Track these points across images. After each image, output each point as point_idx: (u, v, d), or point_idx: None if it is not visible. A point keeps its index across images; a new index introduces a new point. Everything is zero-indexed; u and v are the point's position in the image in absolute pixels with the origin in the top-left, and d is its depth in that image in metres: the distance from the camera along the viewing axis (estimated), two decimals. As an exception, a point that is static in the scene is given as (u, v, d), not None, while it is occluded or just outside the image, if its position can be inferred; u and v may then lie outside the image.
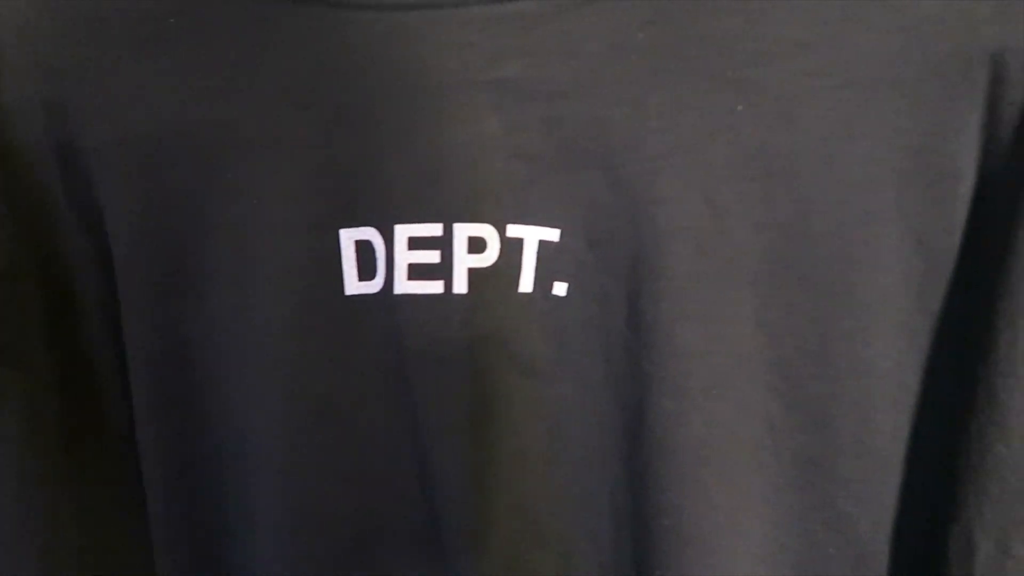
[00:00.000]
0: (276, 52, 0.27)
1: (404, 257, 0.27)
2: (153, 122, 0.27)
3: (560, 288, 0.27)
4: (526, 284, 0.27)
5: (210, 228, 0.28)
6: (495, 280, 0.27)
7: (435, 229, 0.26)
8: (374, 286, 0.27)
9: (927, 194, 0.24)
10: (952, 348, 0.25)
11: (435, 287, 0.26)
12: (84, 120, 0.28)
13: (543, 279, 0.27)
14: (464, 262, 0.26)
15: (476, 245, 0.26)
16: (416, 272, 0.27)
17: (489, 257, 0.26)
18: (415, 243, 0.26)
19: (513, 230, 0.26)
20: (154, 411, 0.30)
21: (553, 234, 0.26)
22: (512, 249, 0.26)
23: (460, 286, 0.26)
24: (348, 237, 0.27)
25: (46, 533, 0.32)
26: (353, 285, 0.27)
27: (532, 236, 0.27)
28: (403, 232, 0.26)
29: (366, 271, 0.27)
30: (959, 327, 0.25)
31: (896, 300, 0.25)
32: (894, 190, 0.24)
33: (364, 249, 0.27)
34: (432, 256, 0.26)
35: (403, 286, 0.27)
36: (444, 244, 0.26)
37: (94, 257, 0.30)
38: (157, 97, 0.27)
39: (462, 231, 0.26)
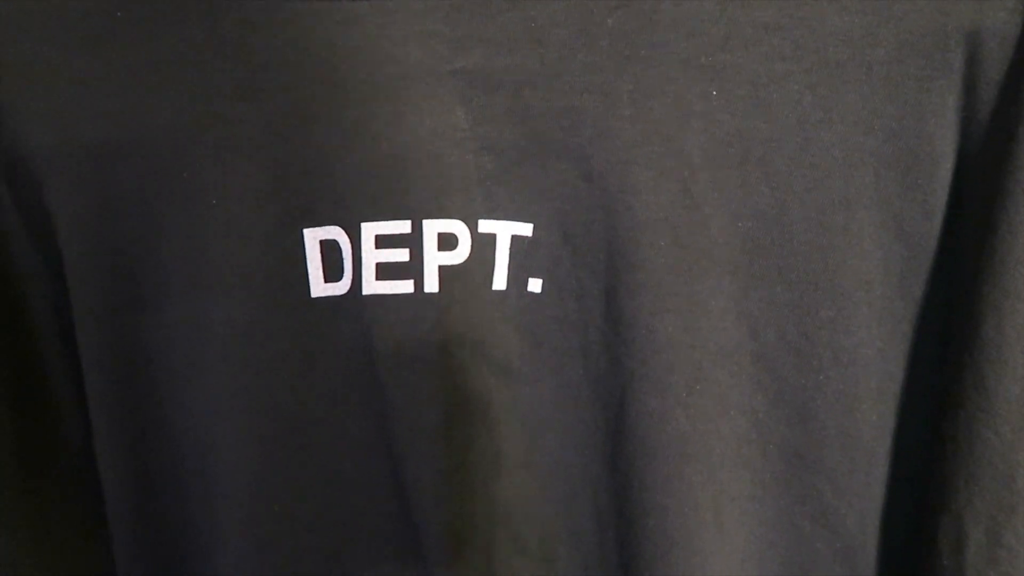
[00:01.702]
0: (228, 45, 0.25)
1: (372, 256, 0.25)
2: (101, 122, 0.26)
3: (535, 284, 0.26)
4: (499, 281, 0.26)
5: (166, 231, 0.27)
6: (467, 278, 0.26)
7: (403, 226, 0.25)
8: (341, 287, 0.26)
9: (906, 178, 0.24)
10: (936, 335, 0.25)
11: (405, 287, 0.25)
12: (26, 122, 0.26)
13: (517, 276, 0.26)
14: (435, 260, 0.25)
15: (446, 242, 0.25)
16: (385, 272, 0.25)
17: (460, 254, 0.26)
18: (383, 241, 0.25)
19: (485, 225, 0.26)
20: (112, 422, 0.29)
21: (526, 228, 0.26)
22: (484, 245, 0.26)
23: (431, 285, 0.25)
24: (312, 237, 0.26)
25: (1, 547, 0.31)
26: (319, 287, 0.26)
27: (504, 231, 0.26)
28: (370, 230, 0.25)
29: (332, 272, 0.26)
30: (943, 313, 0.25)
31: (877, 287, 0.24)
32: (872, 174, 0.24)
33: (330, 249, 0.26)
34: (401, 255, 0.25)
35: (372, 286, 0.26)
36: (413, 242, 0.25)
37: (45, 265, 0.28)
38: (103, 96, 0.26)
39: (431, 228, 0.25)
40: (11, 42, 0.26)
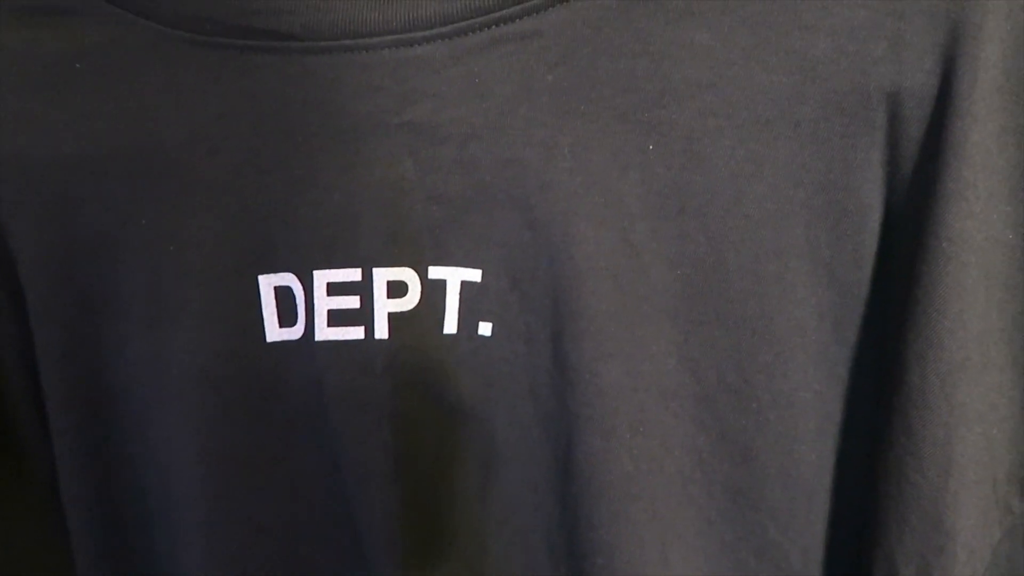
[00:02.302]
0: (186, 95, 0.26)
1: (324, 303, 0.26)
2: (61, 166, 0.27)
3: (485, 328, 0.27)
4: (450, 326, 0.27)
5: (125, 276, 0.27)
6: (417, 324, 0.26)
7: (354, 274, 0.26)
8: (295, 333, 0.27)
9: (835, 228, 0.24)
10: (871, 379, 0.26)
11: (356, 333, 0.26)
12: None
13: (467, 320, 0.26)
14: (384, 307, 0.26)
15: (396, 289, 0.26)
16: (336, 318, 0.26)
17: (410, 301, 0.26)
18: (334, 289, 0.26)
19: (435, 272, 0.26)
20: (75, 458, 0.29)
21: (475, 275, 0.26)
22: (434, 291, 0.26)
23: (381, 331, 0.26)
24: (267, 283, 0.26)
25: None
26: (274, 332, 0.27)
27: (454, 277, 0.26)
28: (322, 278, 0.26)
29: (287, 318, 0.27)
30: (876, 358, 0.25)
31: (812, 332, 0.25)
32: (803, 225, 0.24)
33: (284, 295, 0.26)
34: (352, 302, 0.26)
35: (323, 333, 0.26)
36: (363, 289, 0.26)
37: (7, 304, 0.29)
38: (64, 141, 0.27)
39: (381, 276, 0.26)
40: None
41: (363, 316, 0.26)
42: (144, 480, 0.29)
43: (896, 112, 0.23)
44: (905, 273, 0.24)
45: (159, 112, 0.26)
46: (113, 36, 0.27)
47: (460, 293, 0.26)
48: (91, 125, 0.27)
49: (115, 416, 0.29)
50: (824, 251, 0.24)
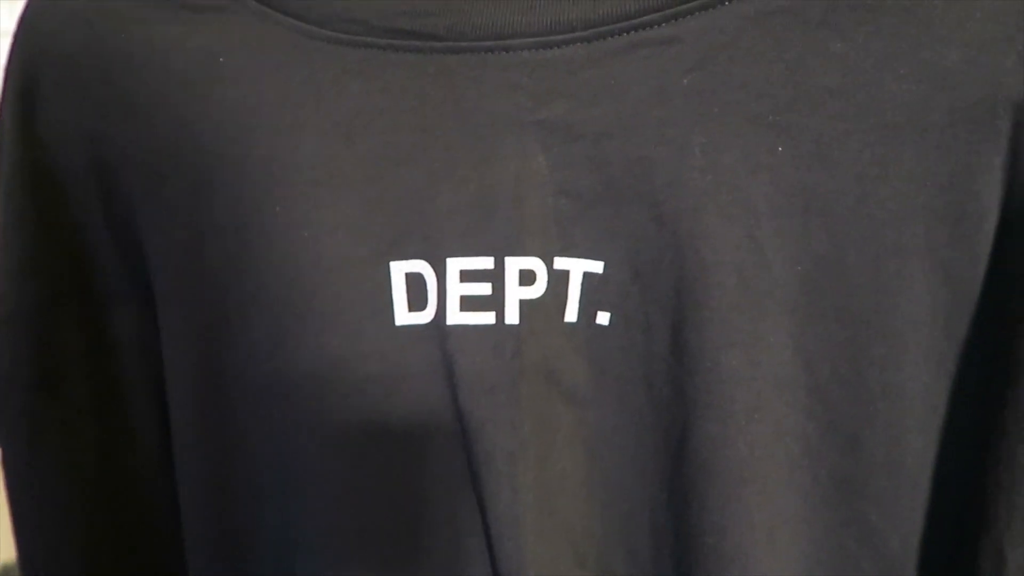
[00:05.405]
0: (326, 90, 0.27)
1: (456, 289, 0.27)
2: (198, 155, 0.28)
3: (603, 318, 0.28)
4: (571, 314, 0.28)
5: (255, 259, 0.28)
6: (543, 311, 0.28)
7: (487, 263, 0.27)
8: (424, 317, 0.28)
9: (954, 230, 0.26)
10: (978, 372, 0.27)
11: (487, 318, 0.27)
12: (127, 151, 0.29)
13: (587, 309, 0.28)
14: (516, 294, 0.27)
15: (526, 278, 0.27)
16: (468, 304, 0.27)
17: (538, 289, 0.27)
18: (467, 276, 0.27)
19: (560, 262, 0.28)
20: (195, 439, 0.31)
21: (597, 266, 0.28)
22: (558, 281, 0.28)
23: (512, 317, 0.27)
24: (399, 269, 0.28)
25: (84, 557, 0.33)
26: (403, 316, 0.28)
27: (577, 268, 0.28)
28: (455, 265, 0.27)
29: (416, 303, 0.28)
30: (985, 353, 0.27)
31: (924, 328, 0.26)
32: (923, 226, 0.26)
33: (414, 281, 0.28)
34: (484, 288, 0.27)
35: (455, 317, 0.27)
36: (495, 277, 0.27)
37: (134, 286, 0.30)
38: (203, 131, 0.28)
39: (513, 264, 0.27)
40: (117, 77, 0.28)
41: (494, 302, 0.27)
42: (265, 459, 0.30)
43: (1020, 120, 0.24)
44: (1021, 272, 0.25)
45: (299, 105, 0.28)
46: (259, 33, 0.28)
47: (582, 283, 0.28)
48: (230, 116, 0.28)
49: (238, 396, 0.30)
50: (942, 251, 0.26)
